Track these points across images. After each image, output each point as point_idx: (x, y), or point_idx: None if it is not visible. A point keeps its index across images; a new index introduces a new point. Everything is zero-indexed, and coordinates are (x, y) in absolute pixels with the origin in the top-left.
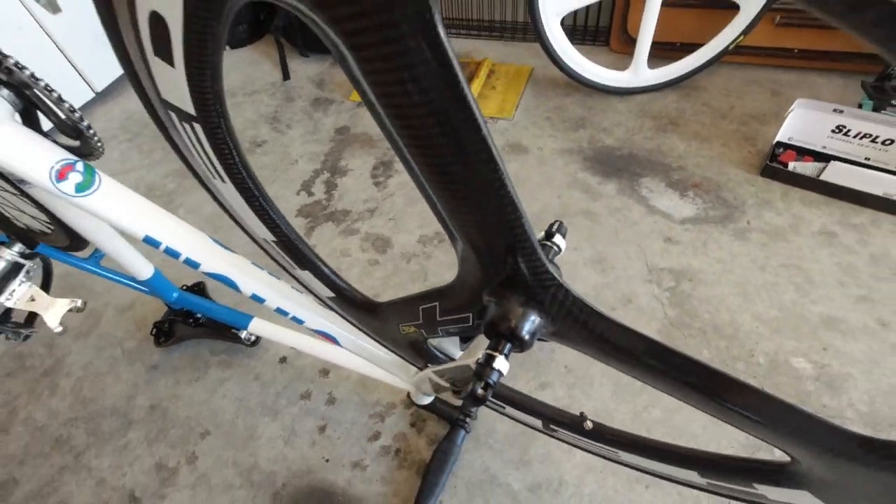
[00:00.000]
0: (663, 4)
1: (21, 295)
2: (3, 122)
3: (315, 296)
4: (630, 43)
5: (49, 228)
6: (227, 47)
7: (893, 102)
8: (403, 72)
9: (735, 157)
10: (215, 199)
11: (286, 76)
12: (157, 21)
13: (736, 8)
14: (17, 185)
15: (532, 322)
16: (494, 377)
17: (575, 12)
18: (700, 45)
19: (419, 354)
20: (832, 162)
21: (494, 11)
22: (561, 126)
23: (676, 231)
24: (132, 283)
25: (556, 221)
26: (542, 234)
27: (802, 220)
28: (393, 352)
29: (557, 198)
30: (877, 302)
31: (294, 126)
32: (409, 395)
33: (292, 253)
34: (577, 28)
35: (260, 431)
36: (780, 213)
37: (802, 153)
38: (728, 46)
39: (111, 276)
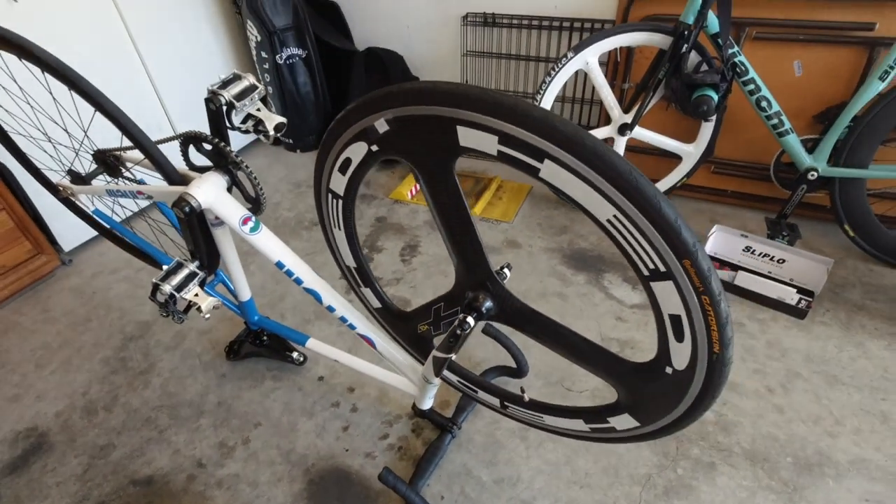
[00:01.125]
0: (630, 150)
1: (192, 292)
2: (222, 191)
3: (367, 307)
4: None
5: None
6: (299, 151)
7: (783, 233)
8: (441, 192)
9: None
10: (328, 239)
11: None
12: (343, 164)
13: (679, 158)
14: (210, 226)
15: (487, 305)
16: (465, 328)
17: None
18: (657, 181)
19: (426, 349)
20: (739, 272)
21: None
22: (549, 230)
23: (626, 313)
24: (231, 304)
25: (507, 263)
26: (499, 266)
27: None
28: (409, 351)
29: (540, 282)
30: (767, 374)
31: None
32: (413, 405)
33: (363, 275)
34: None
35: (299, 426)
36: None
37: (723, 264)
38: (676, 184)
39: (219, 296)
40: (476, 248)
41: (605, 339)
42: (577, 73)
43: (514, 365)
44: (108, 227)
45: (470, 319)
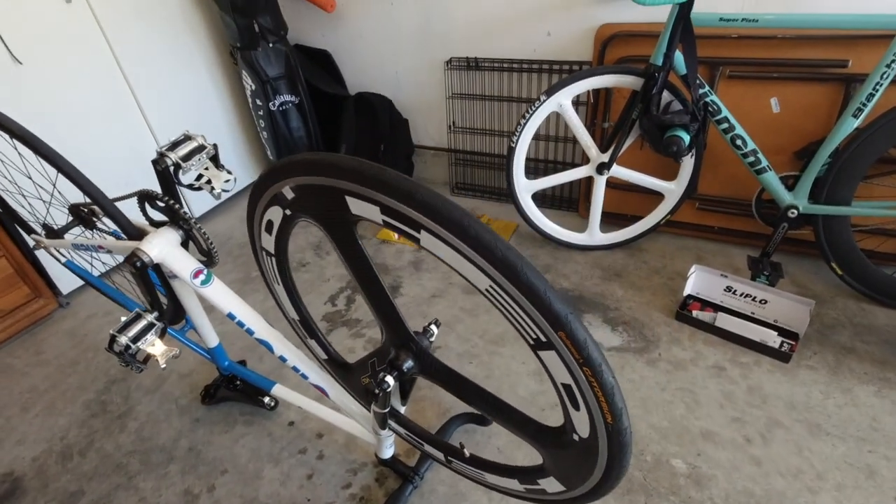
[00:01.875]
0: (613, 188)
1: (149, 342)
2: (175, 246)
3: (316, 358)
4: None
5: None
6: None
7: (765, 273)
8: (350, 256)
9: (659, 304)
10: (271, 292)
11: None
12: (267, 225)
13: (662, 196)
14: (167, 279)
15: (407, 364)
16: (384, 387)
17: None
18: (643, 217)
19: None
20: (720, 314)
21: (493, 180)
22: None
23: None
24: (201, 351)
25: (436, 319)
26: (427, 322)
27: (701, 355)
28: (360, 402)
29: None
30: (746, 423)
31: (331, 253)
32: (376, 454)
33: (307, 327)
34: (555, 197)
35: (264, 474)
36: (685, 349)
37: (705, 305)
38: (660, 221)
39: (190, 344)
40: (390, 310)
41: None
42: (554, 113)
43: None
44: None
45: (389, 378)
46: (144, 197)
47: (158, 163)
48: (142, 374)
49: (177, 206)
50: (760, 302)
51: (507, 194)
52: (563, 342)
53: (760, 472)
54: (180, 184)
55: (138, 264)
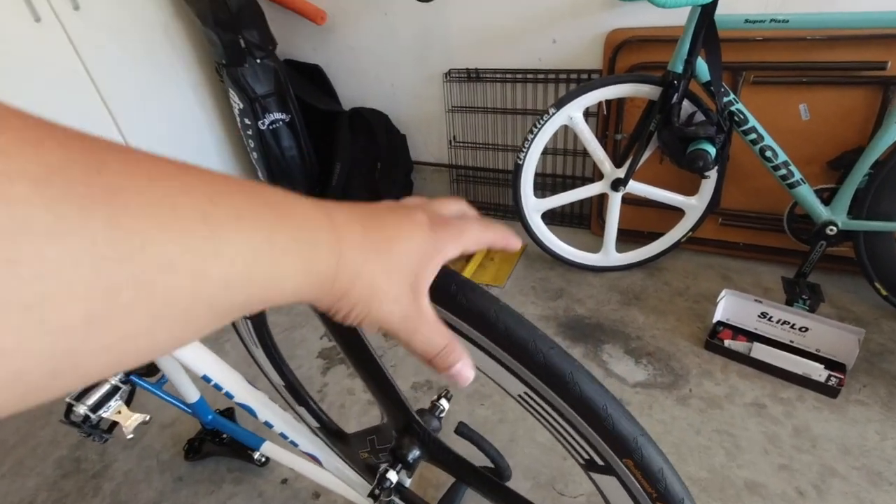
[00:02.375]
0: (628, 203)
1: (113, 409)
2: None
3: (307, 425)
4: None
5: None
6: None
7: (803, 297)
8: (346, 347)
9: (685, 331)
10: (252, 357)
11: None
12: None
13: (682, 212)
14: None
15: (413, 454)
16: (386, 485)
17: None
18: (662, 235)
19: (374, 471)
20: (755, 343)
21: (499, 197)
22: (543, 295)
23: (628, 394)
24: (181, 405)
25: (445, 389)
26: (436, 396)
27: (737, 390)
28: (360, 474)
29: None
30: (796, 471)
31: None
32: None
33: (294, 392)
34: (564, 214)
35: None
36: (718, 384)
37: (738, 332)
38: (681, 239)
39: (168, 398)
40: (390, 391)
41: None
42: (564, 126)
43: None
44: None
45: (392, 474)
46: None
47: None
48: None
49: None
50: (800, 329)
51: (513, 212)
52: (629, 471)
53: None
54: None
55: None
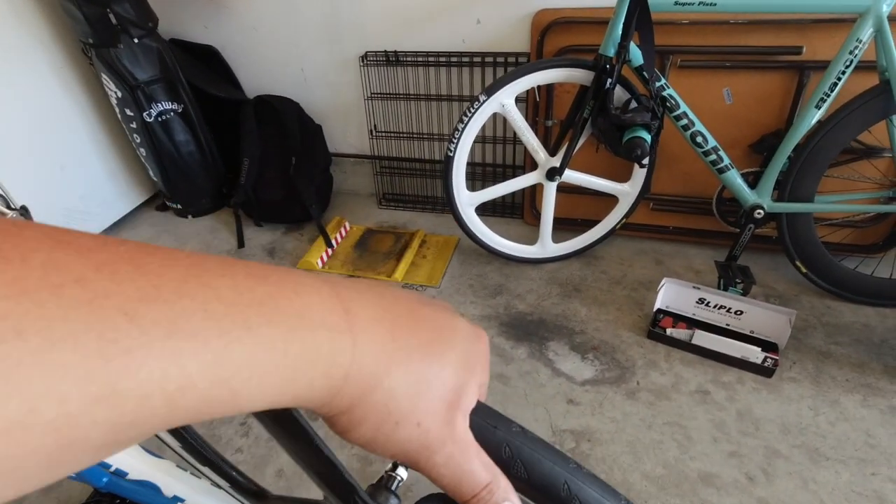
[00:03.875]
0: (561, 191)
1: None
2: None
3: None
4: (539, 218)
5: None
6: (190, 216)
7: (737, 280)
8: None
9: (627, 321)
10: None
11: (241, 244)
12: None
13: (616, 198)
14: None
15: None
16: None
17: None
18: (597, 222)
19: None
20: (697, 331)
21: (427, 188)
22: (482, 293)
23: (577, 392)
24: None
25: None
26: (390, 465)
27: (682, 379)
28: None
29: None
30: (744, 457)
31: None
32: None
33: (193, 452)
34: (497, 204)
35: None
36: (663, 373)
37: (678, 319)
38: (616, 226)
39: None
40: (328, 468)
41: (558, 433)
42: (494, 114)
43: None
44: None
45: None
46: None
47: None
48: None
49: None
50: (736, 313)
51: (444, 205)
52: None
53: None
54: None
55: None
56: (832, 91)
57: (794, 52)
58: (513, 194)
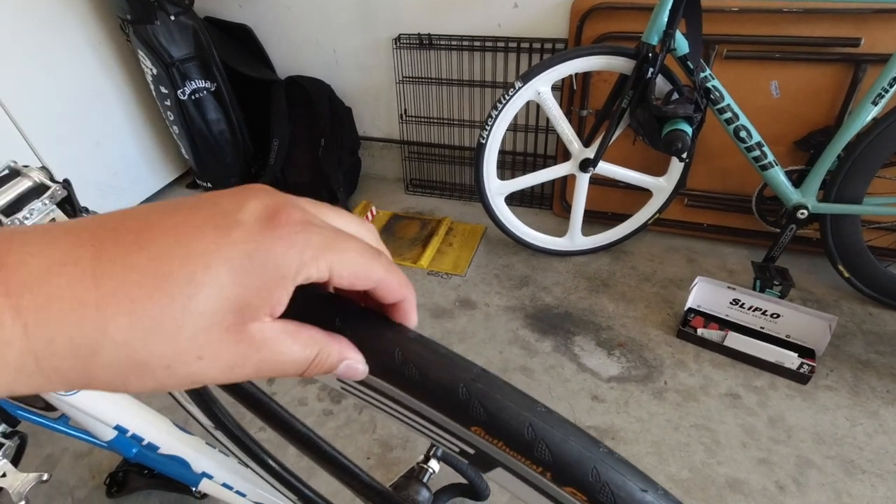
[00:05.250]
0: (593, 183)
1: None
2: None
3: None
4: (569, 210)
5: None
6: None
7: (775, 282)
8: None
9: (655, 319)
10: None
11: None
12: None
13: (650, 192)
14: None
15: None
16: None
17: None
18: (628, 216)
19: None
20: (730, 333)
21: (455, 176)
22: (507, 283)
23: (603, 389)
24: (95, 442)
25: (433, 445)
26: (422, 456)
27: (711, 381)
28: None
29: (499, 353)
30: (774, 465)
31: None
32: None
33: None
34: (525, 194)
35: None
36: (692, 374)
37: (709, 320)
38: (648, 220)
39: (77, 434)
40: (352, 476)
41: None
42: (528, 102)
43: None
44: None
45: None
46: None
47: None
48: (24, 458)
49: None
50: (772, 316)
51: (472, 192)
52: None
53: None
54: None
55: None
56: (892, 87)
57: (852, 44)
58: (542, 185)
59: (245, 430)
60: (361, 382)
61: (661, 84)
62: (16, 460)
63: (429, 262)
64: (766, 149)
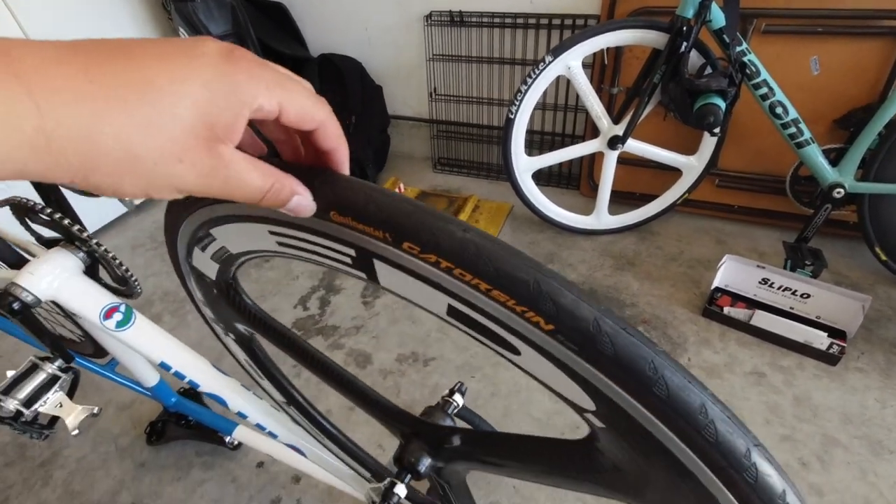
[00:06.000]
0: (621, 163)
1: (52, 402)
2: (73, 274)
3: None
4: (596, 189)
5: (80, 339)
6: None
7: (806, 262)
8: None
9: (681, 298)
10: (207, 324)
11: None
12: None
13: (679, 172)
14: (67, 312)
15: (424, 463)
16: (392, 500)
17: None
18: (656, 197)
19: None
20: (757, 311)
21: (483, 155)
22: None
23: None
24: (139, 388)
25: (459, 383)
26: (447, 391)
27: (736, 359)
28: (348, 464)
29: None
30: (798, 442)
31: None
32: None
33: (259, 364)
34: (553, 173)
35: None
36: (717, 352)
37: (737, 299)
38: (677, 201)
39: (122, 381)
40: (378, 403)
41: None
42: (558, 78)
43: None
44: None
45: (400, 488)
46: (18, 209)
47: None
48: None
49: (68, 222)
50: (802, 296)
51: (499, 171)
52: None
53: None
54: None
55: (15, 306)
56: None
57: None
58: (570, 164)
59: (285, 376)
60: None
61: (695, 58)
62: (70, 394)
63: None
64: (802, 125)
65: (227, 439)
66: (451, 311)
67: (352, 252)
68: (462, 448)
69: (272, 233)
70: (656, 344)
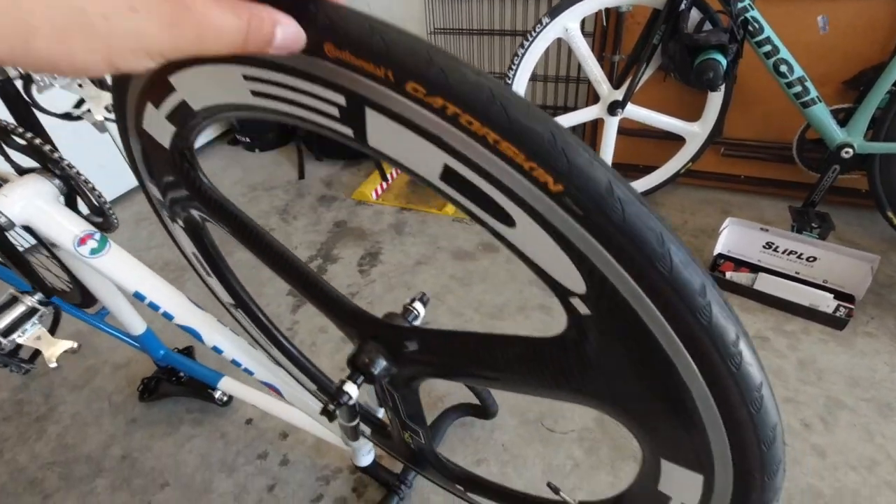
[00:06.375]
0: (623, 134)
1: (31, 334)
2: (48, 201)
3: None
4: None
5: (69, 287)
6: (257, 150)
7: (813, 225)
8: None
9: None
10: (153, 208)
11: (301, 176)
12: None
13: (682, 140)
14: (51, 250)
15: (379, 365)
16: (343, 399)
17: None
18: (657, 167)
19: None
20: (760, 273)
21: None
22: None
23: None
24: (127, 339)
25: (422, 293)
26: (410, 298)
27: None
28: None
29: (519, 293)
30: (801, 404)
31: (300, 217)
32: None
33: (208, 257)
34: None
35: (214, 486)
36: None
37: (740, 265)
38: (679, 171)
39: (110, 330)
40: (327, 296)
41: None
42: (558, 41)
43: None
44: None
45: (350, 388)
46: None
47: None
48: (68, 368)
49: (39, 142)
50: (808, 259)
51: None
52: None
53: (826, 466)
54: (41, 109)
55: None
56: None
57: None
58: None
59: (234, 273)
60: (283, 69)
61: (695, 17)
62: (52, 331)
63: (455, 209)
64: (808, 84)
65: (217, 395)
66: (446, 174)
67: (341, 100)
68: (421, 351)
69: (247, 77)
70: (664, 219)
